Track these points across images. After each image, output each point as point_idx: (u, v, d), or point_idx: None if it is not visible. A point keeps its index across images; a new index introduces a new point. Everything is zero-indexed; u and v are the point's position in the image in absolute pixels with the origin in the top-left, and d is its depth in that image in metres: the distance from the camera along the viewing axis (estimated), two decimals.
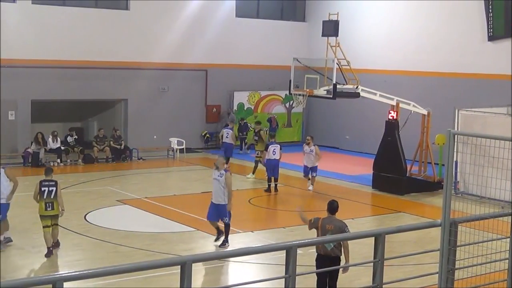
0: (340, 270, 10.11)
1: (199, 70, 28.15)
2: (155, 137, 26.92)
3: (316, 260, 10.18)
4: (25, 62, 24.12)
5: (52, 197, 13.13)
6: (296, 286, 7.28)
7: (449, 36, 25.48)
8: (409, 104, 21.30)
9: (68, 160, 24.09)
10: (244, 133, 27.98)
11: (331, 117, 29.56)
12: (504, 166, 10.90)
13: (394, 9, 27.48)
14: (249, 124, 27.95)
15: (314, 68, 22.18)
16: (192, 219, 16.15)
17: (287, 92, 23.56)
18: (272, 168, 19.96)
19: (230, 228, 14.08)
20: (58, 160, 23.68)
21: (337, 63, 20.46)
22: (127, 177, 22.68)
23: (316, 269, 10.11)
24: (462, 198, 16.99)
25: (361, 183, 21.71)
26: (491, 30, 24.03)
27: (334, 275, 10.06)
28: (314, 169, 20.30)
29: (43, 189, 13.13)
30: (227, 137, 23.56)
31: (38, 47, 24.44)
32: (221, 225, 14.10)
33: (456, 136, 8.01)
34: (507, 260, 8.21)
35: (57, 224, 13.39)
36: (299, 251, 7.45)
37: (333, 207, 10.40)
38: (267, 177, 20.26)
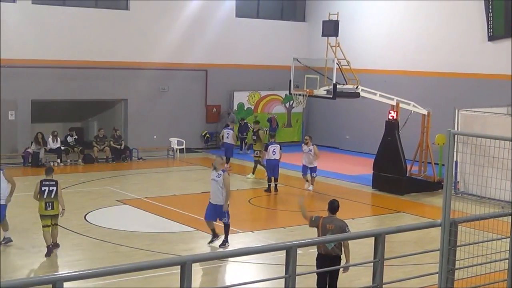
0: (341, 269, 10.12)
1: (199, 70, 28.15)
2: (155, 137, 26.93)
3: (317, 259, 10.19)
4: (25, 62, 24.12)
5: (52, 196, 13.13)
6: (296, 286, 7.28)
7: (449, 36, 25.48)
8: (409, 104, 21.30)
9: (68, 160, 24.09)
10: (244, 133, 27.97)
11: (331, 117, 29.56)
12: (504, 166, 10.91)
13: (394, 9, 27.48)
14: (249, 124, 27.95)
15: (314, 68, 22.18)
16: (192, 219, 16.15)
17: (287, 92, 23.57)
18: (272, 168, 19.97)
19: (230, 228, 14.08)
20: (58, 160, 23.68)
21: (337, 63, 20.46)
22: (127, 177, 22.68)
23: (317, 268, 10.13)
24: (462, 198, 16.99)
25: (361, 183, 21.71)
26: (491, 30, 24.03)
27: (334, 275, 10.08)
28: (313, 169, 20.31)
29: (43, 188, 13.13)
30: (227, 138, 23.58)
31: (38, 47, 24.44)
32: (219, 224, 14.09)
33: (456, 136, 8.01)
34: (507, 260, 8.21)
35: (57, 224, 13.39)
36: (299, 251, 7.45)
37: (333, 207, 10.41)
38: (267, 177, 20.27)
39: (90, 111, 27.98)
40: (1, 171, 13.65)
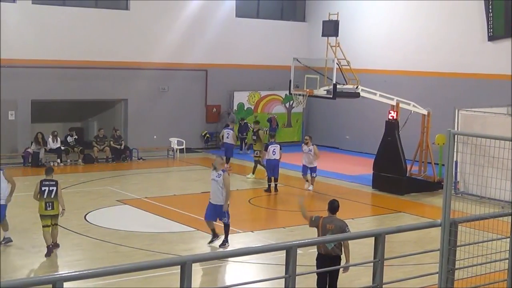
0: (341, 269, 10.13)
1: (199, 70, 28.15)
2: (155, 137, 26.93)
3: (317, 259, 10.20)
4: (25, 62, 24.12)
5: (52, 196, 13.13)
6: (296, 286, 7.28)
7: (449, 36, 25.48)
8: (409, 104, 21.30)
9: (68, 160, 24.08)
10: (244, 133, 27.97)
11: (331, 117, 29.56)
12: (504, 166, 10.91)
13: (394, 9, 27.48)
14: (249, 124, 27.95)
15: (314, 68, 22.18)
16: (192, 219, 16.15)
17: (287, 92, 23.57)
18: (272, 168, 19.97)
19: (230, 228, 14.08)
20: (58, 160, 23.68)
21: (337, 63, 20.46)
22: (127, 177, 22.68)
23: (317, 268, 10.13)
24: (462, 198, 17.00)
25: (361, 183, 21.71)
26: (491, 30, 24.03)
27: (334, 275, 10.09)
28: (313, 169, 20.31)
29: (43, 188, 13.14)
30: (227, 138, 23.59)
31: (38, 47, 24.44)
32: (219, 224, 14.09)
33: (456, 136, 8.01)
34: (507, 260, 8.21)
35: (57, 224, 13.40)
36: (299, 251, 7.45)
37: (333, 207, 10.42)
38: (267, 177, 20.27)
39: (90, 111, 27.98)
40: (1, 171, 13.65)
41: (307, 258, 11.00)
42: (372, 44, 27.89)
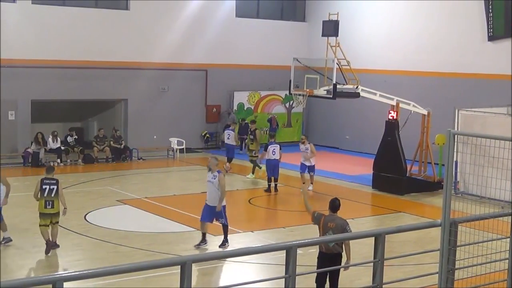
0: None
1: (199, 70, 28.15)
2: (155, 137, 26.93)
3: (318, 257, 10.24)
4: (25, 62, 24.12)
5: (52, 195, 13.14)
6: (296, 286, 7.28)
7: (449, 36, 25.48)
8: (409, 104, 21.30)
9: (68, 160, 24.08)
10: (245, 135, 27.90)
11: (331, 117, 29.55)
12: (504, 166, 10.92)
13: (394, 9, 27.48)
14: (250, 125, 27.89)
15: (314, 68, 22.18)
16: (192, 219, 16.13)
17: (287, 92, 23.57)
18: (272, 168, 19.98)
19: (230, 228, 14.08)
20: (58, 160, 23.67)
21: (337, 63, 20.46)
22: (127, 177, 22.68)
23: (318, 265, 10.19)
24: (462, 198, 16.99)
25: (361, 183, 21.71)
26: (491, 30, 24.03)
27: (335, 273, 10.12)
28: (312, 168, 20.30)
29: (44, 187, 13.15)
30: (228, 138, 23.61)
31: (38, 47, 24.44)
32: (217, 225, 14.06)
33: (456, 136, 8.01)
34: (507, 260, 8.21)
35: (57, 222, 13.39)
36: (299, 251, 7.45)
37: (335, 205, 10.46)
38: (267, 177, 20.28)
39: (90, 111, 27.98)
40: None
41: (307, 258, 11.01)
42: (372, 44, 27.89)
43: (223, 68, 28.53)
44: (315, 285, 10.22)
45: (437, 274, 8.07)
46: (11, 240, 13.78)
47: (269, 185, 20.11)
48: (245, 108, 29.26)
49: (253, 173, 22.21)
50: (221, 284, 12.11)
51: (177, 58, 27.38)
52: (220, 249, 13.73)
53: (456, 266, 8.17)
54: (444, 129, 9.06)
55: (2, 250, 13.33)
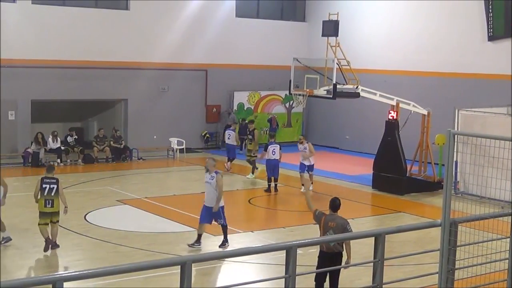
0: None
1: (199, 70, 28.15)
2: (155, 137, 26.93)
3: (319, 256, 10.27)
4: (25, 62, 24.13)
5: (52, 194, 13.15)
6: (296, 286, 7.28)
7: (449, 36, 25.48)
8: (409, 104, 21.30)
9: (68, 160, 24.08)
10: (245, 136, 27.87)
11: (331, 117, 29.55)
12: (504, 166, 10.92)
13: (394, 9, 27.48)
14: (248, 125, 27.88)
15: (314, 68, 22.18)
16: (192, 219, 16.12)
17: (287, 92, 23.57)
18: (272, 168, 19.97)
19: (230, 228, 14.07)
20: (58, 160, 23.67)
21: (337, 63, 20.46)
22: (127, 177, 22.68)
23: (318, 264, 10.21)
24: (462, 198, 16.99)
25: (361, 183, 21.71)
26: (491, 30, 24.03)
27: (336, 272, 10.13)
28: (311, 167, 20.30)
29: (44, 186, 13.16)
30: (229, 139, 23.59)
31: (38, 47, 24.44)
32: (216, 226, 14.06)
33: (456, 136, 8.01)
34: (507, 260, 8.21)
35: (57, 222, 13.38)
36: (299, 251, 7.45)
37: (335, 205, 10.48)
38: (267, 177, 20.28)
39: (90, 111, 27.98)
40: None
41: (307, 258, 11.01)
42: (372, 44, 27.89)
43: (223, 68, 28.54)
44: (314, 284, 10.22)
45: (437, 274, 8.07)
46: (10, 239, 13.77)
47: (269, 185, 20.11)
48: (245, 108, 29.26)
49: (253, 173, 22.21)
50: (221, 284, 12.11)
51: (177, 58, 27.38)
52: (220, 249, 13.73)
53: (456, 266, 8.17)
54: (444, 129, 9.06)
55: (2, 250, 13.32)
